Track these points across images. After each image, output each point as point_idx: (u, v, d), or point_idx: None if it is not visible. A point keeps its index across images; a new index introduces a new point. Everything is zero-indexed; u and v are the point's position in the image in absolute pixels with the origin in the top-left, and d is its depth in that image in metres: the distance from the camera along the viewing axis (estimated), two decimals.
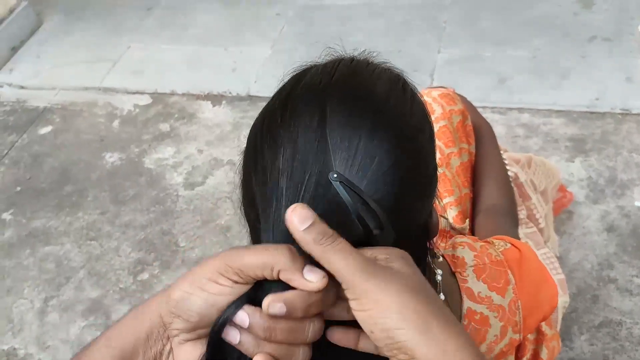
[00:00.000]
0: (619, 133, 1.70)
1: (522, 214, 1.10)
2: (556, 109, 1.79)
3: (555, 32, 2.05)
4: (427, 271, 0.56)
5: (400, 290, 0.41)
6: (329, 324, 0.45)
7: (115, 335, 0.46)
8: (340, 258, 0.41)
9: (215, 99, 2.07)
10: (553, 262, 1.11)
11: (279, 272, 0.41)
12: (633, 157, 1.63)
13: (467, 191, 1.00)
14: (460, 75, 1.94)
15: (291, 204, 0.42)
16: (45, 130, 2.07)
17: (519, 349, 0.77)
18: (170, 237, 1.64)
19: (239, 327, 0.43)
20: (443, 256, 0.66)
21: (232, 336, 0.43)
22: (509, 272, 0.66)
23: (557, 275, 1.10)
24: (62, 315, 1.51)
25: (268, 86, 1.99)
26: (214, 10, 2.47)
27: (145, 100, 2.12)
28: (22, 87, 2.28)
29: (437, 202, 0.55)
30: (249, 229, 0.53)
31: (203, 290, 0.43)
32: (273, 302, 0.41)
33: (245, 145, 0.53)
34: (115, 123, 2.05)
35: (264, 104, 0.53)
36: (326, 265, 0.41)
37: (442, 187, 0.96)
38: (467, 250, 0.68)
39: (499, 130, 1.64)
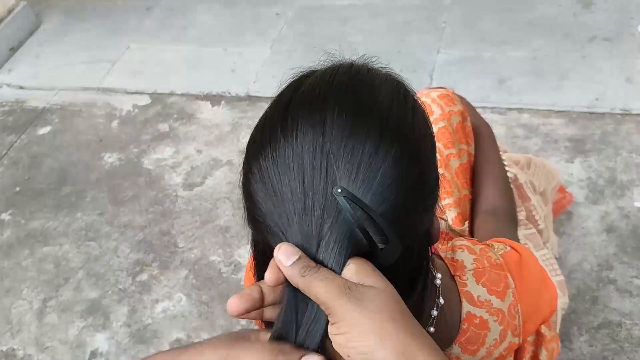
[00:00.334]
0: (618, 133, 1.69)
1: (521, 215, 1.10)
2: (556, 110, 1.79)
3: (555, 33, 2.05)
4: (427, 276, 0.56)
5: (377, 312, 0.41)
6: None
7: None
8: (321, 285, 0.43)
9: (215, 99, 2.06)
10: (552, 263, 1.11)
11: None
12: (633, 157, 1.62)
13: (466, 192, 1.00)
14: (459, 76, 1.94)
15: (300, 221, 0.45)
16: (44, 130, 2.07)
17: (518, 350, 0.77)
18: (169, 238, 1.64)
19: None
20: (442, 259, 0.66)
21: None
22: (509, 275, 0.66)
23: (557, 277, 1.10)
24: (60, 316, 1.51)
25: (267, 86, 1.97)
26: (214, 10, 2.47)
27: (144, 100, 2.12)
28: (21, 88, 2.28)
29: (437, 205, 0.55)
30: (250, 234, 0.53)
31: None
32: None
33: (244, 151, 0.52)
34: (114, 123, 2.05)
35: (263, 104, 0.53)
36: (311, 295, 0.43)
37: (441, 188, 0.96)
38: (466, 253, 0.67)
39: (498, 130, 1.63)
